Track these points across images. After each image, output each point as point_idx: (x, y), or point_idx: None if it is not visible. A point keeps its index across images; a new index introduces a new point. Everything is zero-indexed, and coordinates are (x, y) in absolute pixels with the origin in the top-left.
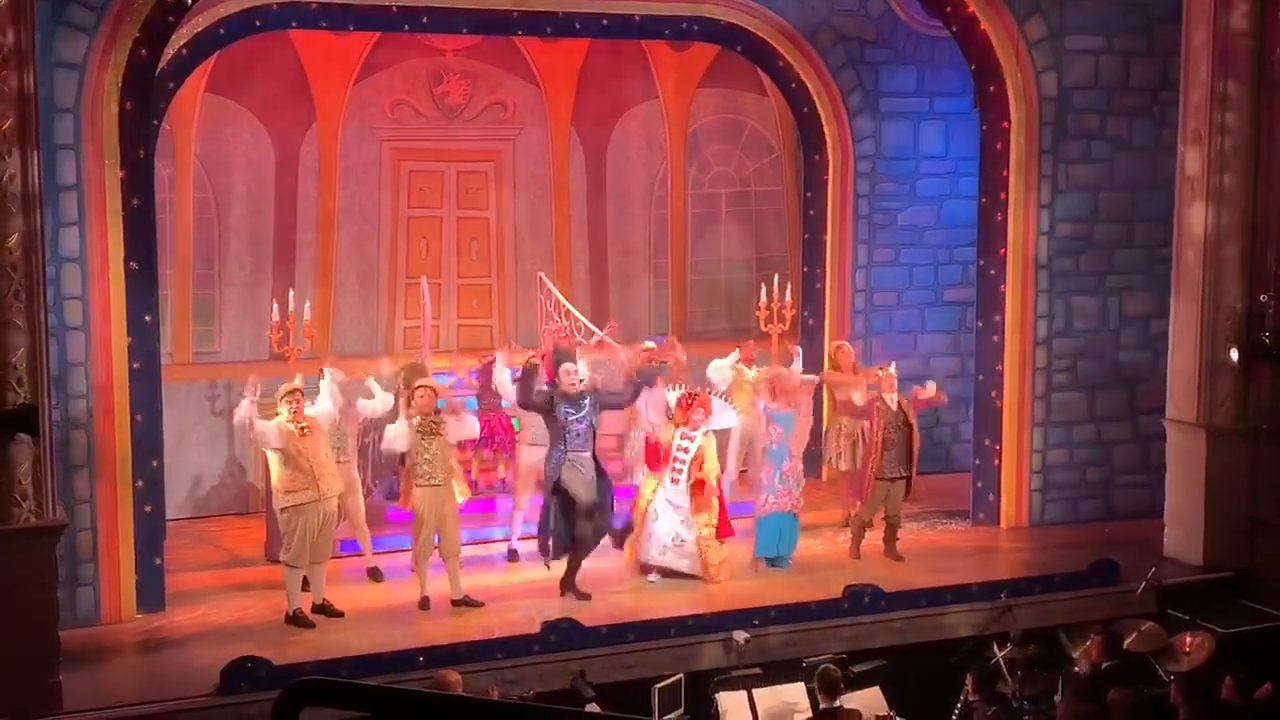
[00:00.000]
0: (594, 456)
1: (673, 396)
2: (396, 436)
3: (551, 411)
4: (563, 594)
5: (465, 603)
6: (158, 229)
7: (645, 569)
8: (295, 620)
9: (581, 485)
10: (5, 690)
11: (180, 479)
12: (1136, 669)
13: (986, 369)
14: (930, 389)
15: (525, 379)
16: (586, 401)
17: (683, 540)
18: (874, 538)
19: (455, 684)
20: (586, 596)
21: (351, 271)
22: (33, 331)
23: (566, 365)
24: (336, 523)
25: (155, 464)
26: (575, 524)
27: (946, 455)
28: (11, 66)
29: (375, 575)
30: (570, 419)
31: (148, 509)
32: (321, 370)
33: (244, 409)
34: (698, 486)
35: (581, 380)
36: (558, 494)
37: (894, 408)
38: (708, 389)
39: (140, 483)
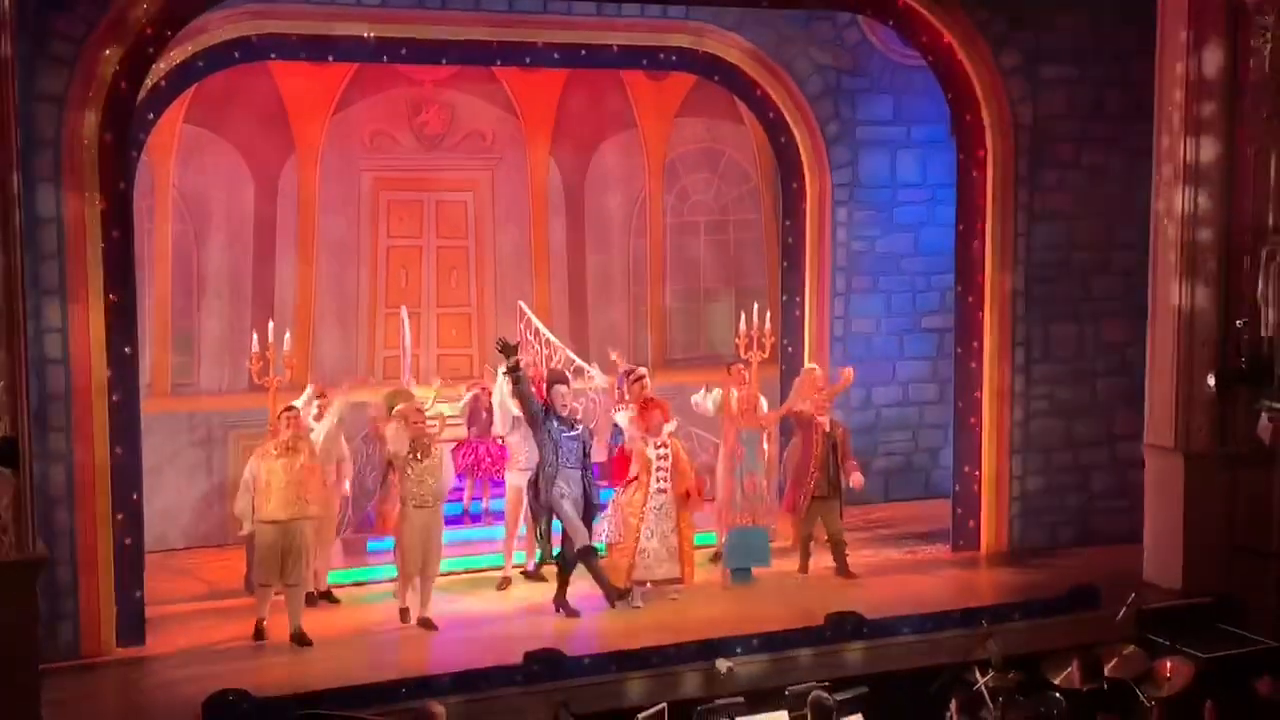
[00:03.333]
0: (584, 477)
1: (622, 417)
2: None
3: (544, 424)
4: (556, 610)
5: (425, 624)
6: (136, 261)
7: (636, 585)
8: (296, 639)
9: (570, 503)
10: None
11: (159, 511)
12: (1117, 694)
13: (965, 395)
14: (846, 375)
15: (516, 380)
16: (580, 425)
17: (668, 547)
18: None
19: (439, 716)
20: (576, 614)
21: (331, 301)
22: (13, 364)
23: (559, 388)
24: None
25: (135, 496)
26: (562, 543)
27: (926, 481)
28: None
29: (328, 597)
30: (563, 435)
31: (127, 541)
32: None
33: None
34: (684, 495)
35: (575, 407)
36: (546, 509)
37: (826, 427)
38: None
39: (120, 515)
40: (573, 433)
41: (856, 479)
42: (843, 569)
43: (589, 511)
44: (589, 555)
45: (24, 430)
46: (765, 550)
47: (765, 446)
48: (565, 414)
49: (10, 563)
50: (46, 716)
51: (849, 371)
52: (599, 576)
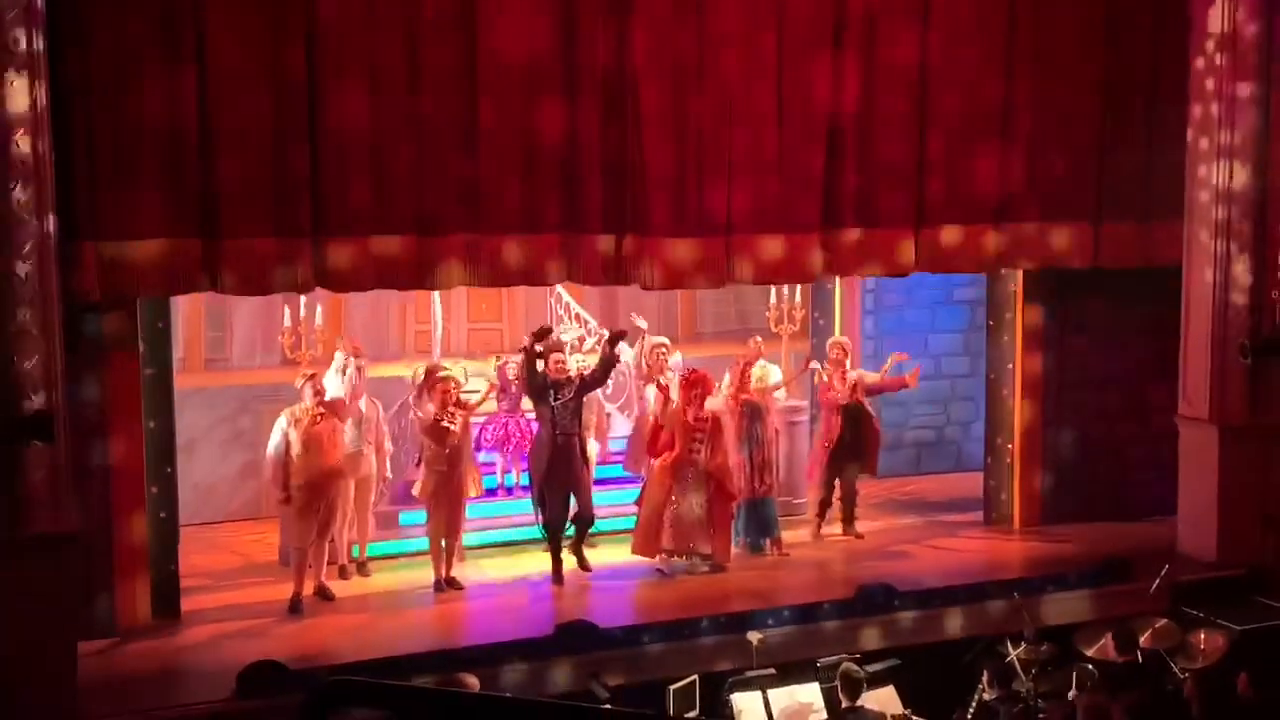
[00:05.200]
0: (578, 438)
1: (652, 390)
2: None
3: (545, 396)
4: (584, 570)
5: (451, 584)
6: None
7: (664, 556)
8: (319, 593)
9: (570, 471)
10: (24, 698)
11: (193, 485)
12: (1151, 666)
13: (998, 368)
14: (911, 373)
15: (528, 362)
16: (573, 387)
17: (701, 518)
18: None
19: (472, 688)
20: (588, 568)
21: None
22: (47, 339)
23: (556, 355)
24: (346, 513)
25: (169, 470)
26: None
27: (958, 454)
28: (25, 72)
29: (362, 570)
30: (557, 402)
31: (162, 515)
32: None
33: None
34: (719, 468)
35: (569, 369)
36: (550, 476)
37: (845, 395)
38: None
39: (154, 489)
40: (568, 397)
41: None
42: (848, 524)
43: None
44: (585, 525)
45: (58, 405)
46: (774, 521)
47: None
48: (561, 378)
49: (46, 535)
50: (83, 688)
51: (912, 375)
52: (579, 547)
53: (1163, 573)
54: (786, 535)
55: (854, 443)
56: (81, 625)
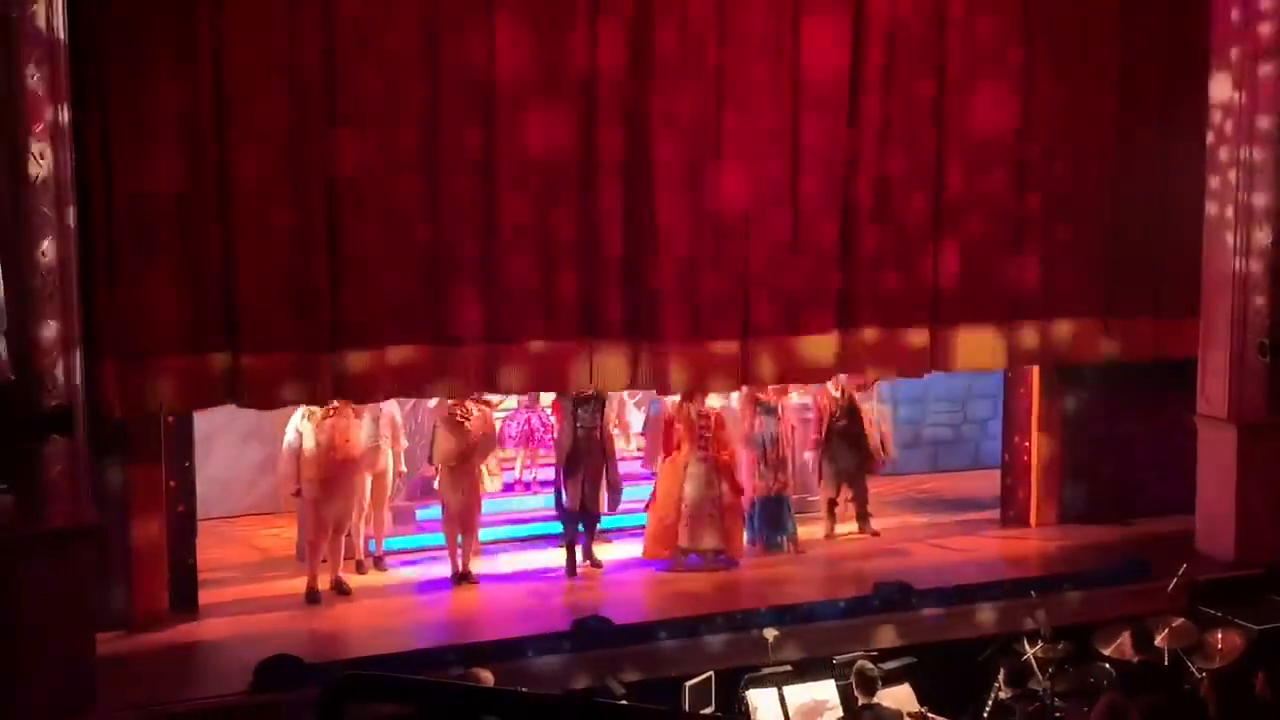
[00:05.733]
0: (600, 432)
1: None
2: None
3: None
4: (584, 560)
5: (466, 578)
6: None
7: (680, 552)
8: (336, 587)
9: (589, 465)
10: (42, 690)
11: (211, 478)
12: (1168, 666)
13: (1015, 366)
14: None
15: None
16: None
17: (712, 514)
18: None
19: (487, 682)
20: (598, 564)
21: None
22: (67, 333)
23: None
24: (362, 508)
25: (187, 464)
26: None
27: (975, 452)
28: (45, 64)
29: (379, 565)
30: (578, 396)
31: (180, 509)
32: None
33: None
34: (726, 463)
35: None
36: (569, 469)
37: (839, 396)
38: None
39: (173, 483)
40: (587, 402)
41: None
42: (863, 525)
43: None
44: (594, 521)
45: (77, 398)
46: (790, 518)
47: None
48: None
49: (65, 529)
50: (100, 682)
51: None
52: (588, 542)
53: (1180, 572)
54: (802, 532)
55: (848, 440)
56: (99, 618)
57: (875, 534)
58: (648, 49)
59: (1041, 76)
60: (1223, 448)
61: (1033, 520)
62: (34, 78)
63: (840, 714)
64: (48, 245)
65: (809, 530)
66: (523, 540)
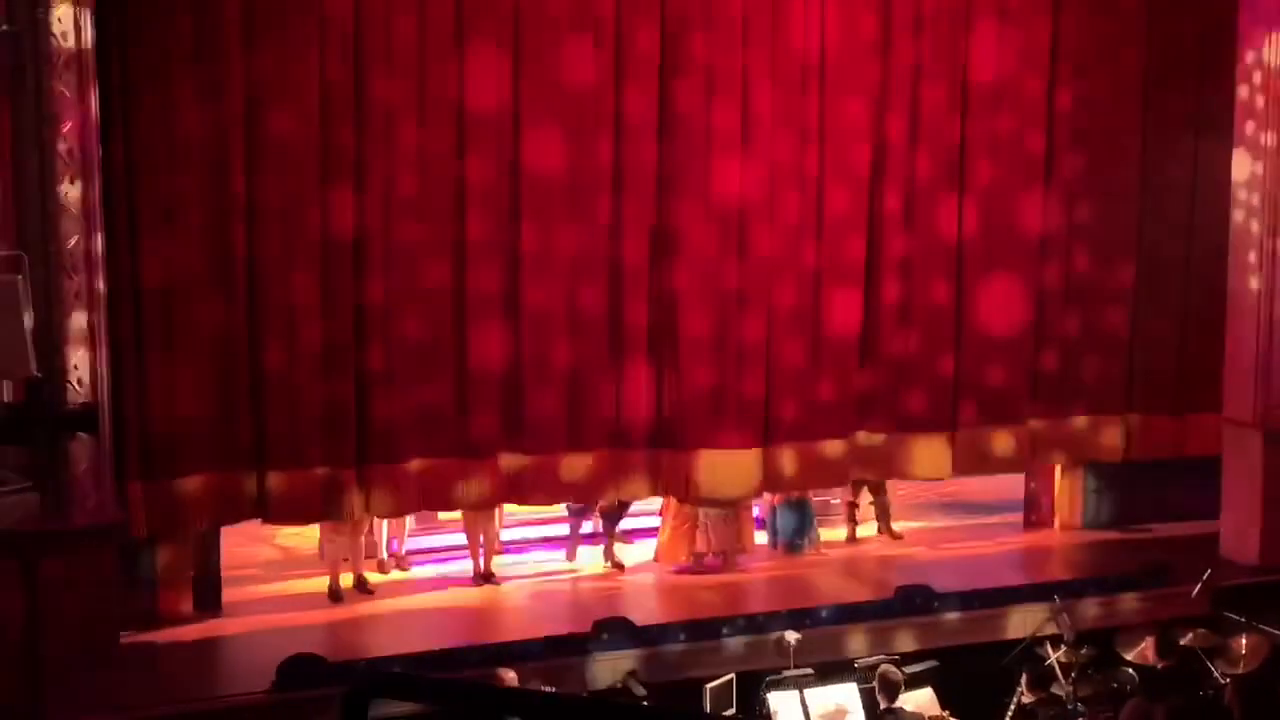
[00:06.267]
0: None
1: None
2: None
3: None
4: (605, 561)
5: (486, 578)
6: None
7: (697, 556)
8: (358, 585)
9: None
10: (66, 689)
11: None
12: (1191, 671)
13: None
14: None
15: None
16: None
17: (727, 517)
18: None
19: (510, 683)
20: (620, 566)
21: None
22: (92, 332)
23: None
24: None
25: None
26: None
27: None
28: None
29: (400, 564)
30: None
31: None
32: None
33: None
34: None
35: None
36: None
37: None
38: None
39: None
40: None
41: None
42: (884, 528)
43: None
44: (622, 512)
45: (102, 398)
46: (811, 521)
47: None
48: None
49: (89, 527)
50: (124, 678)
51: None
52: (609, 542)
53: (1204, 576)
54: (823, 535)
55: None
56: (124, 616)
57: (897, 537)
58: None
59: None
60: (1248, 452)
61: (1056, 524)
62: None
63: (862, 718)
64: (74, 244)
65: (830, 533)
66: (545, 540)
